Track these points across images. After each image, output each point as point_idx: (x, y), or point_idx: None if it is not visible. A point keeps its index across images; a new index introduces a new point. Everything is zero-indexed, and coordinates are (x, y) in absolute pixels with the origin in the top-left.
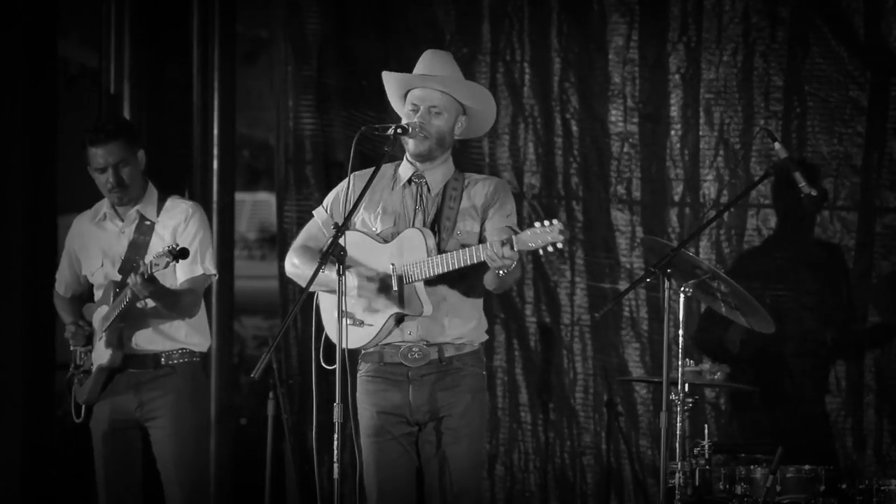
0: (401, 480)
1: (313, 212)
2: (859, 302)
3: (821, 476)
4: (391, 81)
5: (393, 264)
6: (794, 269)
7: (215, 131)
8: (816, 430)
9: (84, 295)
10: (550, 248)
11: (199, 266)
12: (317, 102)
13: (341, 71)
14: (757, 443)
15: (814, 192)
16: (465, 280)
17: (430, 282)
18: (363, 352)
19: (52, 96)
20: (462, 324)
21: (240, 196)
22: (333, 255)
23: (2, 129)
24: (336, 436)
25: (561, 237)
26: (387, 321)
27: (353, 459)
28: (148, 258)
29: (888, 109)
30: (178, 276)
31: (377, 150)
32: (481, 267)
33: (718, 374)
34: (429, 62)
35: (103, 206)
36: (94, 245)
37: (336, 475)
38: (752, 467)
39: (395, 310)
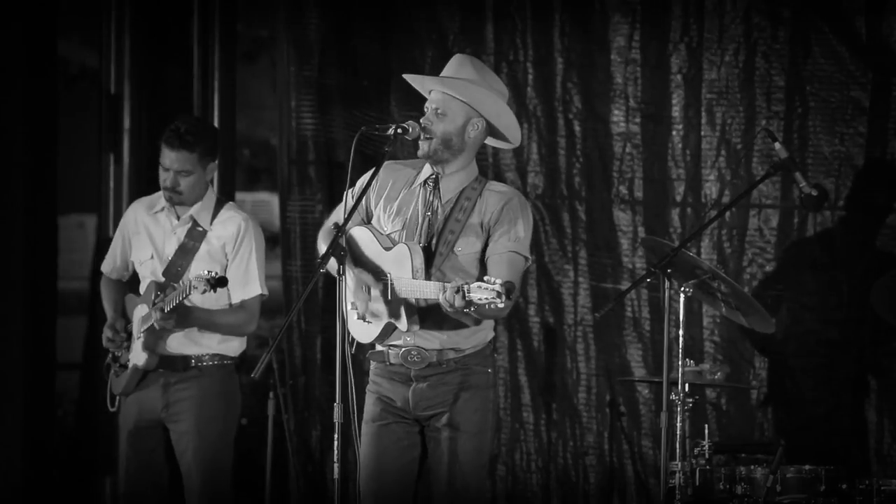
0: (393, 465)
1: (345, 193)
2: (859, 302)
3: (821, 476)
4: (414, 83)
5: (388, 273)
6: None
7: None
8: (816, 430)
9: (127, 282)
10: (492, 307)
11: (255, 286)
12: (318, 103)
13: (343, 71)
14: (757, 443)
15: (814, 192)
16: None
17: None
18: (370, 351)
19: (52, 96)
20: (460, 333)
21: (240, 196)
22: (334, 254)
23: (2, 129)
24: (336, 436)
25: (498, 299)
26: (384, 327)
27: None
28: (189, 275)
29: (889, 110)
30: (233, 297)
31: (378, 150)
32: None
33: (718, 374)
34: (449, 66)
35: (161, 198)
36: (147, 235)
37: (336, 475)
38: (752, 467)
39: (387, 319)
